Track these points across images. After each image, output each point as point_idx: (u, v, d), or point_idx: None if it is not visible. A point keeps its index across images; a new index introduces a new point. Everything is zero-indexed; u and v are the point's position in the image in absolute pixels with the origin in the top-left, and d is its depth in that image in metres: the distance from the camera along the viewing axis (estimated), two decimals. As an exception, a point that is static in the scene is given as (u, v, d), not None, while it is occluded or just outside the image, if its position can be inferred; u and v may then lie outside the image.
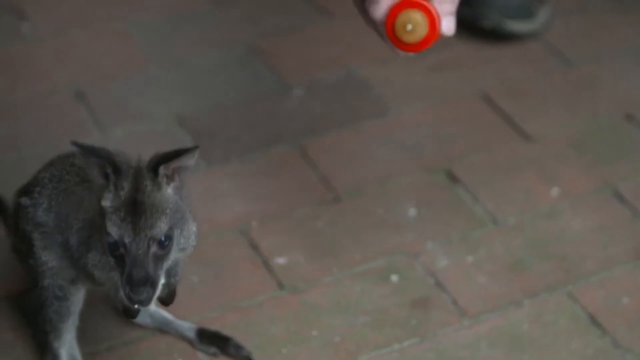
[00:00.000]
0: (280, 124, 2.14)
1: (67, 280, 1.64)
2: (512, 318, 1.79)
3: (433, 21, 1.55)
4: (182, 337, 1.77)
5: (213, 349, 1.76)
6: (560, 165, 2.07)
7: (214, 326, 1.77)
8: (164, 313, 1.78)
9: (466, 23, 2.35)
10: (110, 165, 1.47)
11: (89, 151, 1.47)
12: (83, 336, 1.73)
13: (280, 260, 1.88)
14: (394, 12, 1.55)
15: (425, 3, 1.54)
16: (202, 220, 1.93)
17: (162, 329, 1.78)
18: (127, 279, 1.46)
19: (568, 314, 1.80)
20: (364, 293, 1.83)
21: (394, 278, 1.86)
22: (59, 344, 1.70)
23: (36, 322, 1.72)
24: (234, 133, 2.12)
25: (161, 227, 1.47)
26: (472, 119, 2.17)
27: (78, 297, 1.67)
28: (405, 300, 1.82)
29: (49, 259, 1.65)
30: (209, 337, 1.76)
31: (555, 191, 2.01)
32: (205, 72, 2.23)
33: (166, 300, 1.61)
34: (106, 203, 1.48)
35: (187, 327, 1.77)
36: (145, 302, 1.46)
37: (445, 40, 2.30)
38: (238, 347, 1.75)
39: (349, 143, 2.11)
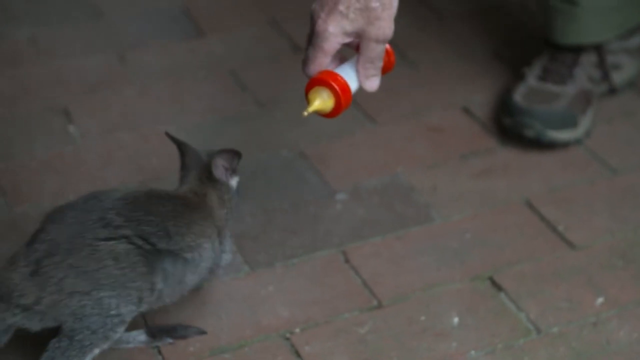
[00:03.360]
0: (324, 228, 2.14)
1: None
2: None
3: (339, 100, 1.68)
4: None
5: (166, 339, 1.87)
6: (606, 274, 2.05)
7: None
8: None
9: (509, 132, 2.36)
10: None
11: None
12: None
13: (324, 367, 1.87)
14: (308, 86, 1.70)
15: (333, 83, 1.67)
16: (245, 325, 1.94)
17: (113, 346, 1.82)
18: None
19: None
20: (407, 402, 1.82)
21: (438, 387, 1.84)
22: None
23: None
24: (277, 237, 2.13)
25: None
26: (517, 226, 2.16)
27: None
28: (449, 411, 1.81)
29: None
30: (158, 332, 1.87)
31: (600, 301, 2.00)
32: (249, 174, 2.23)
33: None
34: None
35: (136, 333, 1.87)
36: None
37: (489, 146, 2.34)
38: (186, 327, 1.89)
39: (393, 249, 2.11)
